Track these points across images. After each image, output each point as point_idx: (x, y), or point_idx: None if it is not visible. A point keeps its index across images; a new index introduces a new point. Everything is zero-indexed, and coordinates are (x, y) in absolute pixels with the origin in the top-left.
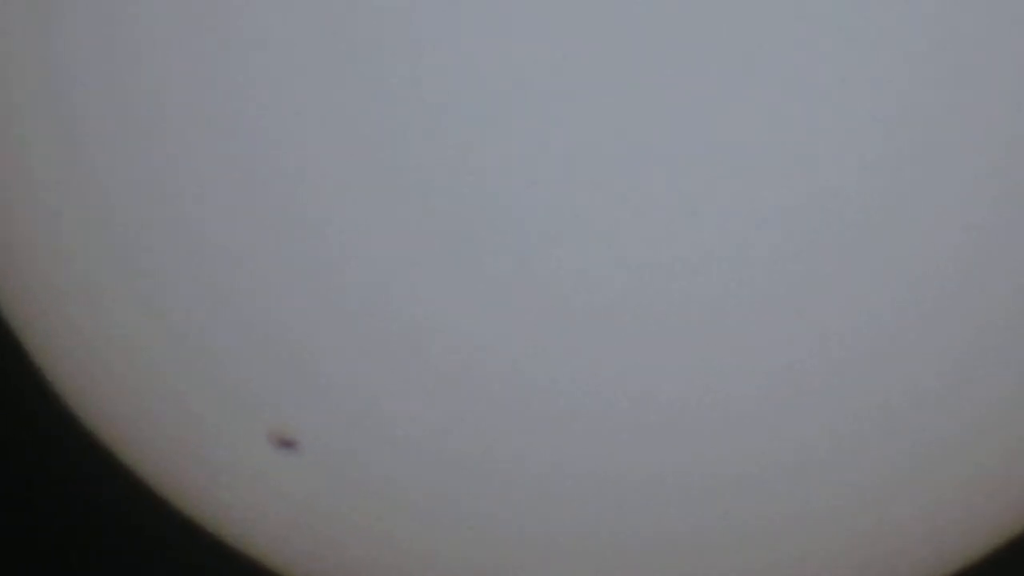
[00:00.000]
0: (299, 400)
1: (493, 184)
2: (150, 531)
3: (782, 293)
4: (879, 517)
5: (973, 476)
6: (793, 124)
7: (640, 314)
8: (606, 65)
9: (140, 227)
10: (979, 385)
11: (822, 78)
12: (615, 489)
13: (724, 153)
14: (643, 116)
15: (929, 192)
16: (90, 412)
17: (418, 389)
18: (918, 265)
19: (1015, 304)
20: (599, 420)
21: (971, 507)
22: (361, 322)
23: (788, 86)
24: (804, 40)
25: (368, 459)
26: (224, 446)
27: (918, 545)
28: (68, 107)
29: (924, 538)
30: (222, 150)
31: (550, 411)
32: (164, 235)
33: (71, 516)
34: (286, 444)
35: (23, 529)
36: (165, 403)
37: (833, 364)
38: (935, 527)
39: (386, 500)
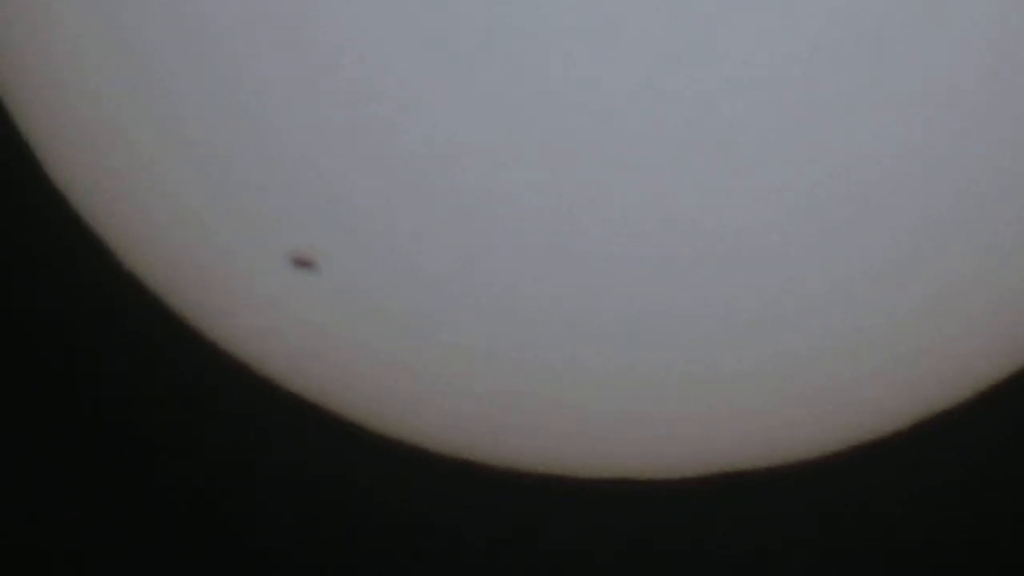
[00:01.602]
0: (318, 221)
1: (508, 9)
2: (165, 350)
3: (794, 130)
4: (886, 355)
5: (974, 314)
6: None
7: (654, 152)
8: None
9: (161, 50)
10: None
11: None
12: (633, 324)
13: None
14: None
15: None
16: (109, 230)
17: (436, 216)
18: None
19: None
20: (613, 254)
21: (973, 343)
22: (384, 147)
23: None
24: None
25: (385, 284)
26: (242, 265)
27: (923, 380)
28: None
29: (925, 375)
30: None
31: (566, 245)
32: (181, 54)
33: (91, 334)
34: (304, 264)
35: (45, 350)
36: (184, 221)
37: (844, 200)
38: (935, 365)
39: (401, 325)
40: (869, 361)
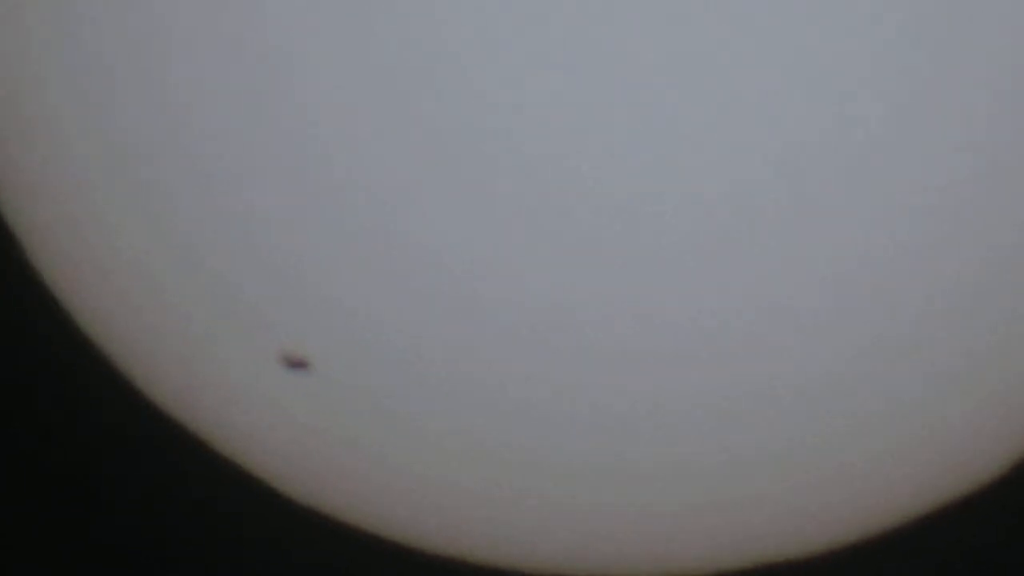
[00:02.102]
0: (310, 321)
1: (498, 102)
2: (159, 453)
3: (783, 223)
4: (877, 446)
5: (968, 410)
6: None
7: (641, 245)
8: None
9: (148, 147)
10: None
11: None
12: (619, 417)
13: (727, 80)
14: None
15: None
16: (98, 330)
17: (428, 312)
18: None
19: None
20: (604, 347)
21: (968, 438)
22: (372, 243)
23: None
24: None
25: (378, 382)
26: (234, 366)
27: (917, 475)
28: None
29: (920, 470)
30: (224, 69)
31: (558, 338)
32: (170, 155)
33: (80, 436)
34: (297, 365)
35: (33, 451)
36: (175, 322)
37: (832, 293)
38: (932, 458)
39: (395, 424)
40: (851, 459)
